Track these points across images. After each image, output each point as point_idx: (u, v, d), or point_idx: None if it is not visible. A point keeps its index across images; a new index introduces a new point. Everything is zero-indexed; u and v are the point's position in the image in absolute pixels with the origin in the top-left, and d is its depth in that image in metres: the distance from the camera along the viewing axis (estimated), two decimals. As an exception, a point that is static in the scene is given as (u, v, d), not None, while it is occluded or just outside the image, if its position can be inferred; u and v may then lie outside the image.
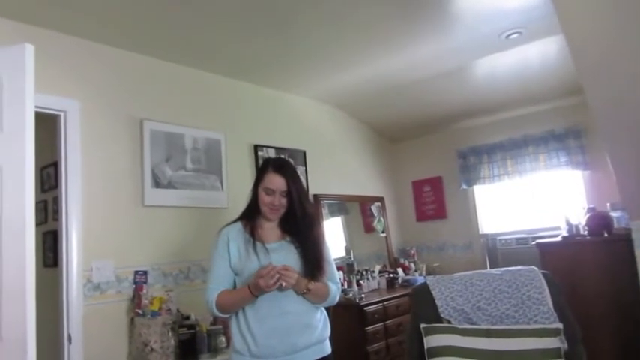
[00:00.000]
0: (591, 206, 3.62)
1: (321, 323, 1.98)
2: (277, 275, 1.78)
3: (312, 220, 2.03)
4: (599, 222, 3.38)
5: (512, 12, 3.05)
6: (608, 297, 3.15)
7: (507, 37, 3.40)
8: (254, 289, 1.82)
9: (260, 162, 3.86)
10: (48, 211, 4.01)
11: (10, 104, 1.72)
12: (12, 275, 1.65)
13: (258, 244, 1.95)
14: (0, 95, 1.73)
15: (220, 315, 1.96)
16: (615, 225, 3.34)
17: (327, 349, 2.00)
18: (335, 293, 2.04)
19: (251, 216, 2.03)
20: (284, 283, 1.81)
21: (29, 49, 1.74)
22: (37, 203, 3.80)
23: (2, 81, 1.73)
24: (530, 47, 3.61)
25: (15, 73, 1.73)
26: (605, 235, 3.33)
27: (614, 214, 3.40)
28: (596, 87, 2.42)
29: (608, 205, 3.55)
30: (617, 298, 3.12)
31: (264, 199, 1.97)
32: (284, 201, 1.97)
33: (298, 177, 2.05)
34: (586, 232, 3.46)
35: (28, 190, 1.68)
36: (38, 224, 3.77)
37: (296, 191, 1.98)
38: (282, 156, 3.95)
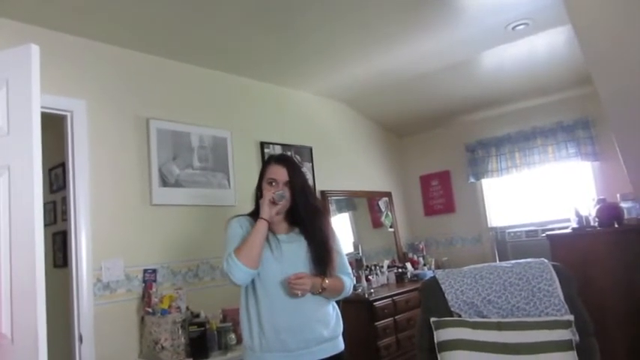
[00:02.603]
0: (601, 197, 3.59)
1: (333, 319, 1.98)
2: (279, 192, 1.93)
3: (316, 211, 2.03)
4: (609, 213, 3.35)
5: (518, 3, 3.02)
6: (620, 288, 3.12)
7: (514, 28, 3.37)
8: (263, 210, 1.91)
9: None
10: (57, 211, 4.04)
11: (16, 105, 1.72)
12: (22, 276, 1.65)
13: (269, 234, 1.95)
14: (6, 96, 1.73)
15: (243, 268, 1.81)
16: (626, 215, 3.31)
17: (340, 345, 1.99)
18: (349, 286, 2.05)
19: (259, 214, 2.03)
20: (299, 293, 1.83)
21: (34, 50, 1.73)
22: (46, 204, 3.84)
23: (8, 82, 1.73)
24: (538, 38, 3.57)
25: (20, 74, 1.72)
26: (616, 225, 3.29)
27: (624, 205, 3.37)
28: (605, 76, 2.39)
29: (618, 195, 3.52)
30: (629, 288, 3.09)
31: (268, 190, 1.97)
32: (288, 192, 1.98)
33: (300, 169, 2.08)
34: (596, 224, 3.43)
35: (37, 191, 1.68)
36: (47, 225, 3.80)
37: (298, 181, 2.00)
38: (289, 152, 3.96)
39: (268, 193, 1.93)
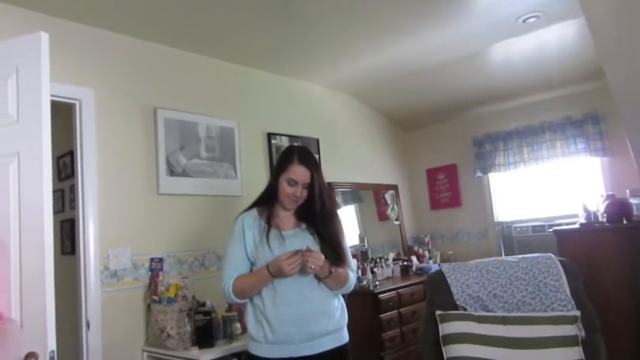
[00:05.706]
0: (610, 193, 3.56)
1: (338, 311, 1.97)
2: (300, 260, 1.79)
3: (330, 214, 2.01)
4: (618, 209, 3.33)
5: (529, -5, 2.99)
6: (627, 284, 3.11)
7: (524, 21, 3.33)
8: (274, 270, 1.81)
9: (274, 150, 3.86)
10: (65, 199, 4.07)
11: (26, 93, 1.72)
12: (31, 264, 1.66)
13: (274, 231, 1.95)
14: (16, 84, 1.73)
15: (236, 301, 1.93)
16: (635, 212, 3.29)
17: (345, 337, 1.99)
18: (352, 280, 2.04)
19: (267, 203, 2.03)
20: (312, 266, 1.80)
21: (44, 37, 1.73)
22: (54, 192, 3.84)
23: (18, 69, 1.74)
24: (548, 31, 3.53)
25: (30, 62, 1.72)
26: (625, 222, 3.27)
27: (633, 201, 3.34)
28: (616, 69, 2.36)
29: (627, 191, 3.49)
30: (636, 285, 3.07)
31: (286, 189, 1.94)
32: (305, 193, 1.95)
33: (320, 169, 2.02)
34: (604, 219, 3.40)
35: (46, 178, 1.68)
36: (56, 213, 3.82)
37: (318, 184, 1.95)
38: (296, 144, 3.95)
39: (292, 262, 1.79)
